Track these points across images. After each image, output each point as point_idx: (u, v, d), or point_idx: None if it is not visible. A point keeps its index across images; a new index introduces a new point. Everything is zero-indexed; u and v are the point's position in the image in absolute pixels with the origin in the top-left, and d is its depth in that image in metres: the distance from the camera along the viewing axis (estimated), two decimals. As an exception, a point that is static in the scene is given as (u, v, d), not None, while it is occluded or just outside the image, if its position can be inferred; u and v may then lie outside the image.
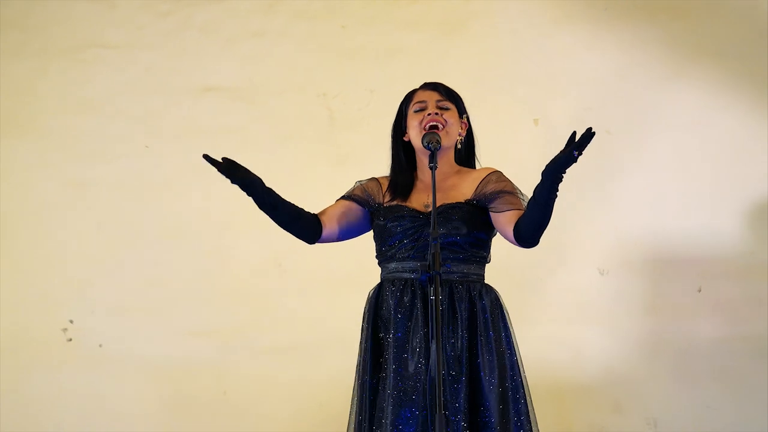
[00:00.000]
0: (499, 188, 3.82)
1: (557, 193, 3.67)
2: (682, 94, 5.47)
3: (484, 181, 3.88)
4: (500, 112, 5.44)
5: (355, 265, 4.52)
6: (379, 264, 3.94)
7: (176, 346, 5.53)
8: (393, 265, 3.85)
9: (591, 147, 5.09)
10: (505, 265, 4.27)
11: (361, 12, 5.64)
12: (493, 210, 3.82)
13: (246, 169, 3.89)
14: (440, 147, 3.77)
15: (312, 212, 3.94)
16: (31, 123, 5.70)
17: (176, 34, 5.71)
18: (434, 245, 3.37)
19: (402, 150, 4.01)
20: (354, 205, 3.98)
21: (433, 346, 3.36)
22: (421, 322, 3.74)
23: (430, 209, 3.76)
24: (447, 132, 3.91)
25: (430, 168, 3.63)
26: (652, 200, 5.44)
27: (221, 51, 5.69)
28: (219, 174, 5.36)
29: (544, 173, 3.63)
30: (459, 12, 5.63)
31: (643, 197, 5.44)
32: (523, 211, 3.75)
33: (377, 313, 3.85)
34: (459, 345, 3.74)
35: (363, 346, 3.84)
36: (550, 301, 5.39)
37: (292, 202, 3.92)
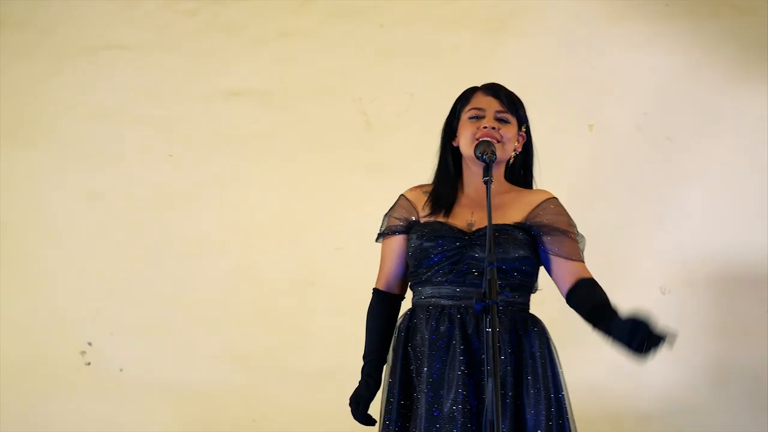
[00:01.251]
0: (555, 223, 3.60)
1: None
2: (749, 98, 5.36)
3: (540, 207, 3.64)
4: (551, 118, 5.09)
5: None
6: (411, 287, 3.71)
7: (202, 370, 5.45)
8: (428, 289, 3.60)
9: (651, 155, 5.24)
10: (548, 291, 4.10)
11: (400, 10, 5.54)
12: (547, 250, 3.60)
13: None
14: (495, 159, 3.51)
15: (387, 301, 3.76)
16: (43, 130, 5.62)
17: (201, 35, 5.62)
18: (491, 270, 3.12)
19: (450, 155, 3.76)
20: (401, 239, 3.73)
21: (490, 385, 3.08)
22: (460, 356, 3.48)
23: (475, 228, 3.56)
24: (502, 147, 3.64)
25: (484, 182, 3.37)
26: (718, 213, 5.34)
27: (249, 52, 5.60)
28: (246, 185, 5.52)
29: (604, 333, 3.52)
30: (504, 9, 5.53)
31: (708, 210, 5.33)
32: (579, 264, 3.60)
33: (408, 342, 3.62)
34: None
35: (389, 381, 3.62)
36: None
37: (376, 341, 3.76)
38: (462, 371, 3.48)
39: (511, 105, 3.70)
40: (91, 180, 5.59)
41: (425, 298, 3.59)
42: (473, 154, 3.56)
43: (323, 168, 5.51)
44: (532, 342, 3.56)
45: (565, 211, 3.66)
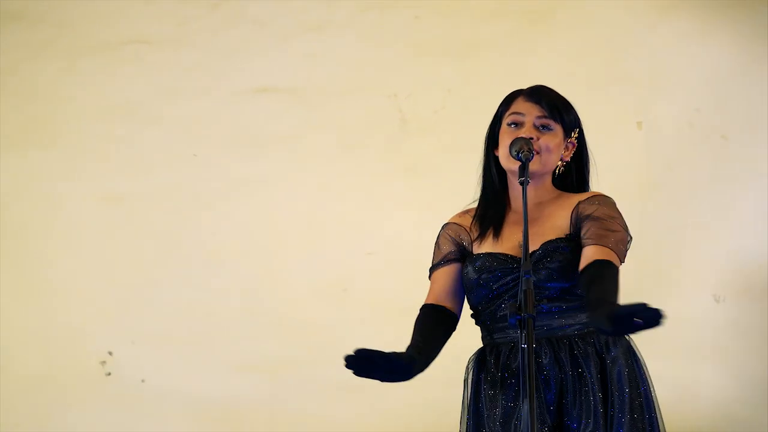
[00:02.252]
0: (593, 213, 3.41)
1: None
2: (810, 93, 5.19)
3: (583, 203, 3.46)
4: (596, 115, 4.77)
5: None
6: (477, 323, 3.56)
7: (227, 382, 5.42)
8: (493, 325, 3.46)
9: (704, 155, 5.16)
10: None
11: (437, 1, 5.47)
12: (582, 241, 3.40)
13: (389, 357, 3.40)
14: (532, 157, 3.33)
15: (435, 310, 3.54)
16: (60, 130, 5.61)
17: (225, 29, 5.58)
18: (526, 281, 2.95)
19: (494, 165, 3.59)
20: (456, 267, 3.57)
21: (526, 407, 2.95)
22: (542, 390, 3.33)
23: (531, 248, 3.38)
24: (542, 161, 3.47)
25: (520, 183, 3.22)
26: (776, 215, 5.18)
27: (276, 47, 5.56)
28: (274, 186, 5.47)
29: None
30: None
31: (765, 212, 5.19)
32: (604, 249, 3.35)
33: (480, 380, 3.47)
34: (593, 419, 3.33)
35: (466, 425, 3.48)
36: (657, 334, 4.63)
37: (422, 339, 3.50)
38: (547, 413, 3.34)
39: (554, 110, 3.52)
40: (109, 182, 5.59)
41: (494, 338, 3.47)
42: (510, 156, 3.39)
43: (354, 168, 5.48)
44: (616, 361, 3.42)
45: (610, 204, 3.49)
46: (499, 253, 3.44)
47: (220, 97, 5.56)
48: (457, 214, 3.64)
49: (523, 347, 2.93)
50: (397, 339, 4.76)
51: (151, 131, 5.58)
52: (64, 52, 5.64)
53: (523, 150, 3.31)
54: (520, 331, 2.92)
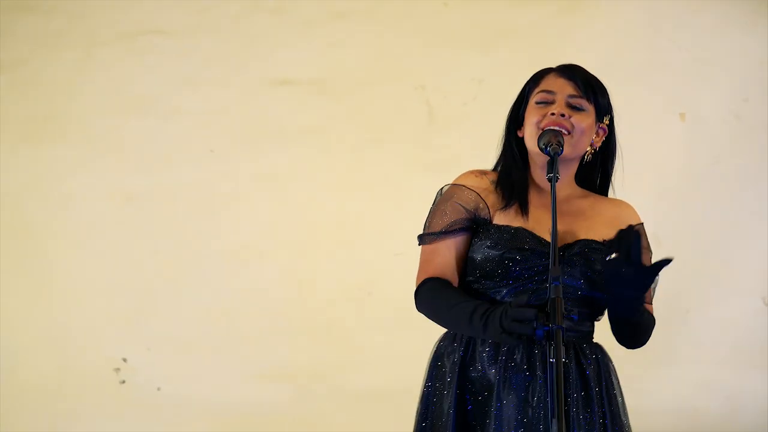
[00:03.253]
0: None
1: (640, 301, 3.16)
2: None
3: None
4: (637, 106, 5.12)
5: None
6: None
7: (246, 390, 5.39)
8: None
9: (752, 149, 5.08)
10: None
11: None
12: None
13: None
14: (561, 152, 3.11)
15: (442, 280, 3.28)
16: (73, 124, 5.57)
17: (245, 18, 5.54)
18: (555, 288, 2.74)
19: (517, 148, 3.37)
20: (464, 239, 3.29)
21: (554, 427, 2.72)
22: (540, 394, 3.11)
23: (563, 241, 3.19)
24: (573, 142, 3.24)
25: (548, 179, 3.00)
26: (830, 213, 5.13)
27: (298, 36, 5.52)
28: (295, 183, 5.40)
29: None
30: (584, -16, 5.39)
31: None
32: (648, 307, 3.30)
33: (465, 374, 3.21)
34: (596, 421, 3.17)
35: (445, 422, 3.20)
36: (701, 339, 5.14)
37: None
38: (545, 412, 3.12)
39: (589, 89, 3.31)
40: (125, 179, 5.54)
41: None
42: (537, 147, 3.18)
43: (381, 164, 5.41)
44: (609, 368, 3.26)
45: (649, 244, 3.33)
46: (531, 232, 3.19)
47: (240, 89, 5.52)
48: (470, 173, 3.36)
49: (551, 362, 2.70)
50: (426, 345, 4.76)
51: (168, 125, 5.54)
52: (77, 44, 5.61)
53: (552, 143, 3.09)
54: (548, 344, 2.71)
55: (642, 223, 3.31)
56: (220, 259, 5.46)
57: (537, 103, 3.29)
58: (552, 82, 3.32)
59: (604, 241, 3.18)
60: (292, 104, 5.48)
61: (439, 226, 3.28)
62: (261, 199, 5.47)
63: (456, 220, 3.25)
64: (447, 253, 3.27)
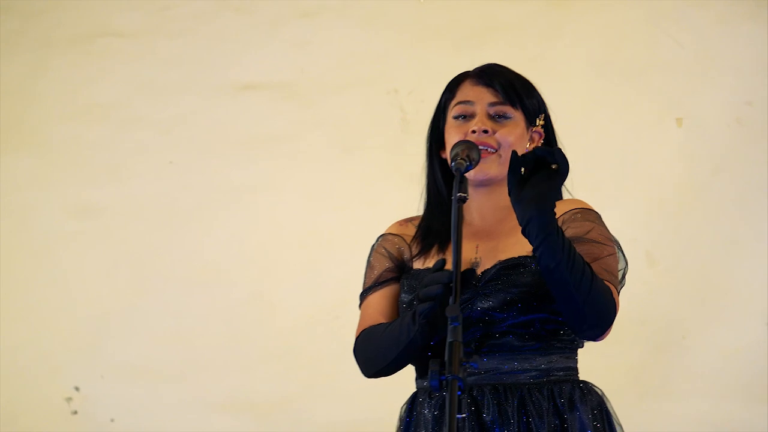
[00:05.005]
0: (578, 233, 2.90)
1: (557, 247, 2.72)
2: None
3: (561, 220, 2.92)
4: (630, 109, 5.09)
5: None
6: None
7: (206, 421, 5.29)
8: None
9: (756, 156, 4.93)
10: (639, 319, 4.15)
11: None
12: None
13: None
14: (471, 166, 2.80)
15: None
16: (27, 133, 5.51)
17: (208, 18, 5.45)
18: (453, 329, 2.42)
19: (440, 169, 3.10)
20: (393, 289, 3.06)
21: None
22: None
23: (482, 269, 2.90)
24: (501, 158, 2.95)
25: (459, 201, 2.65)
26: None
27: (264, 37, 5.44)
28: (262, 195, 5.27)
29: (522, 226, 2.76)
30: (574, -24, 5.34)
31: None
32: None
33: None
34: None
35: None
36: (701, 368, 4.95)
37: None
38: None
39: (512, 93, 3.02)
40: (82, 192, 5.46)
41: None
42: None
43: (352, 175, 5.34)
44: (583, 423, 2.87)
45: (596, 219, 2.98)
46: (446, 270, 2.88)
47: (201, 94, 5.45)
48: (396, 222, 3.16)
49: (460, 417, 2.40)
50: (399, 376, 4.67)
51: (126, 134, 5.46)
52: (33, 47, 5.55)
53: (459, 157, 2.77)
54: (447, 396, 2.38)
55: (586, 208, 3.01)
56: (181, 279, 5.38)
57: (455, 117, 3.02)
58: (468, 91, 3.04)
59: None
60: (256, 110, 5.40)
61: (369, 281, 3.10)
62: (223, 214, 5.38)
63: (383, 271, 3.06)
64: (379, 305, 3.07)
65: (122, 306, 5.36)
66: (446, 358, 2.39)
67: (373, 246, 3.14)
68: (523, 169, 2.68)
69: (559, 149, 2.69)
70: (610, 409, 2.93)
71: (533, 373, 2.84)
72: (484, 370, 2.82)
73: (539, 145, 3.02)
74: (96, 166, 5.44)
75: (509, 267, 2.85)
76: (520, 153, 2.82)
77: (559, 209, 2.89)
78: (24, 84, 5.52)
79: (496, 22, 5.24)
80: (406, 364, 2.94)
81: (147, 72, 5.46)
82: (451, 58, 5.15)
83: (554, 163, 2.68)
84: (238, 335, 5.31)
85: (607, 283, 2.81)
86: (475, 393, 2.81)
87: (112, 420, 5.29)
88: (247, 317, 5.32)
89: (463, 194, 2.63)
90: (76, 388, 5.31)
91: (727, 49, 5.12)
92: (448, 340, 2.40)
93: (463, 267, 2.80)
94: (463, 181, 2.67)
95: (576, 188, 5.13)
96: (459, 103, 3.01)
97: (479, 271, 2.88)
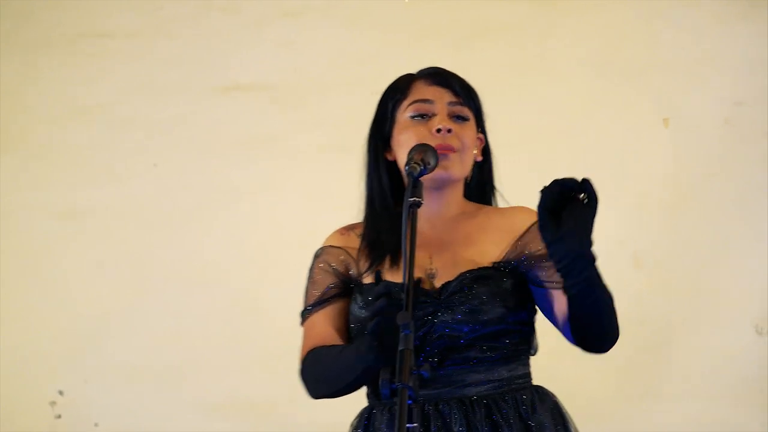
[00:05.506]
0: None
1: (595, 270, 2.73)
2: None
3: (529, 234, 2.91)
4: (618, 110, 5.06)
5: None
6: None
7: (193, 426, 5.21)
8: None
9: (745, 158, 4.91)
10: (626, 322, 3.74)
11: None
12: (543, 283, 2.87)
13: None
14: (426, 171, 2.74)
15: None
16: (14, 135, 5.43)
17: (194, 18, 5.38)
18: (405, 337, 2.37)
19: (387, 174, 3.05)
20: (338, 307, 2.99)
21: None
22: None
23: (440, 281, 2.86)
24: (461, 159, 2.93)
25: (413, 206, 2.59)
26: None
27: (250, 37, 5.36)
28: (250, 197, 5.21)
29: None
30: (565, -24, 5.34)
31: None
32: None
33: None
34: None
35: None
36: (688, 371, 4.92)
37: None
38: None
39: (467, 94, 3.00)
40: (71, 194, 5.39)
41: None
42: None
43: (341, 177, 4.76)
44: (543, 425, 2.86)
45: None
46: (395, 284, 2.82)
47: (191, 96, 5.37)
48: (337, 232, 3.12)
49: (409, 428, 2.36)
50: None
51: (113, 136, 5.38)
52: (20, 49, 5.49)
53: (413, 161, 2.71)
54: (396, 404, 2.33)
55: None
56: (167, 282, 5.31)
57: (413, 116, 2.96)
58: (425, 91, 2.99)
59: (495, 263, 2.87)
60: (242, 112, 5.33)
61: (312, 298, 3.04)
62: (213, 216, 5.32)
63: (326, 288, 2.99)
64: (324, 324, 3.01)
65: (107, 309, 5.31)
66: (397, 366, 2.33)
67: (315, 259, 3.05)
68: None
69: (588, 180, 2.62)
70: (564, 410, 2.92)
71: (497, 383, 2.83)
72: (449, 383, 2.79)
73: (480, 150, 3.00)
74: (84, 168, 5.39)
75: (474, 279, 2.82)
76: (473, 157, 2.89)
77: (516, 219, 2.92)
78: (14, 86, 5.47)
79: (486, 22, 5.21)
80: (361, 387, 2.90)
81: (136, 73, 5.40)
82: (441, 59, 5.09)
83: (582, 193, 2.62)
84: (226, 337, 5.26)
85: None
86: (441, 407, 2.78)
87: (96, 424, 5.25)
88: (238, 319, 5.28)
89: (418, 198, 2.58)
90: (60, 392, 5.27)
91: (716, 48, 5.10)
92: (399, 348, 2.35)
93: (418, 277, 2.81)
94: (417, 186, 2.62)
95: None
96: (416, 101, 2.96)
97: (438, 283, 2.84)
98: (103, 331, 5.30)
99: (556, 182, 2.60)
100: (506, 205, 3.08)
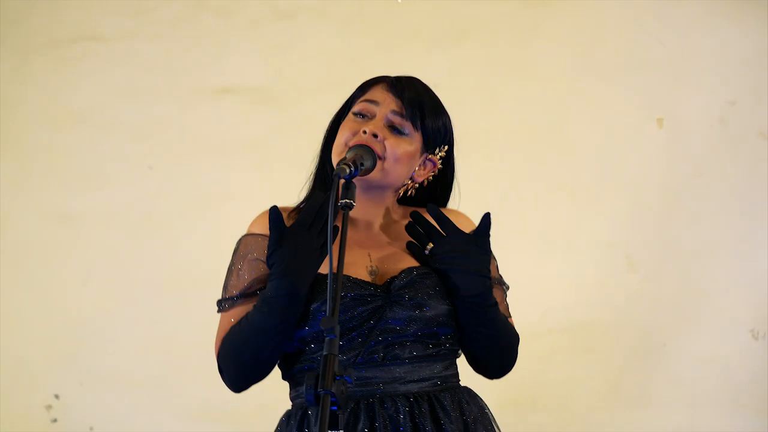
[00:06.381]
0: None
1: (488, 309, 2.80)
2: None
3: None
4: (609, 110, 4.98)
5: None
6: (290, 376, 2.93)
7: (187, 430, 5.16)
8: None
9: (739, 157, 4.84)
10: (618, 326, 4.06)
11: None
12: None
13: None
14: (357, 173, 2.69)
15: None
16: (4, 138, 5.37)
17: (185, 20, 5.34)
18: (330, 342, 2.30)
19: (330, 165, 2.98)
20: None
21: None
22: None
23: (383, 276, 2.80)
24: (384, 168, 2.82)
25: (343, 206, 2.57)
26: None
27: (242, 39, 5.32)
28: (242, 200, 4.96)
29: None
30: (551, -27, 5.25)
31: None
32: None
33: None
34: None
35: None
36: (681, 377, 4.85)
37: None
38: None
39: (415, 112, 2.88)
40: (60, 198, 5.34)
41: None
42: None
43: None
44: (477, 419, 2.82)
45: (489, 247, 2.88)
46: (349, 276, 2.76)
47: (178, 99, 5.32)
48: (261, 216, 3.00)
49: None
50: None
51: (103, 139, 5.34)
52: (8, 52, 5.44)
53: (344, 161, 2.68)
54: (317, 411, 2.26)
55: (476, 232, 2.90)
56: (161, 286, 5.24)
57: (355, 113, 2.91)
58: (378, 93, 2.92)
59: (428, 266, 2.81)
60: (235, 114, 5.27)
61: (236, 288, 2.87)
62: (203, 220, 5.24)
63: (254, 279, 2.83)
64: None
65: (102, 313, 5.25)
66: (320, 371, 2.27)
67: (239, 244, 2.94)
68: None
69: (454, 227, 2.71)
70: (489, 411, 2.87)
71: (436, 380, 2.77)
72: (392, 379, 2.72)
73: (430, 174, 2.91)
74: (74, 172, 5.34)
75: (421, 276, 2.76)
76: (404, 171, 2.82)
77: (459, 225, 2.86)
78: (6, 89, 5.40)
79: (473, 21, 5.16)
80: (278, 355, 2.81)
81: (125, 76, 5.35)
82: (429, 58, 5.15)
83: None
84: (217, 342, 5.17)
85: (514, 327, 2.85)
86: (387, 404, 2.71)
87: (91, 428, 5.19)
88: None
89: (349, 201, 2.55)
90: (56, 396, 5.21)
91: (709, 47, 5.05)
92: (324, 353, 2.28)
93: (359, 273, 2.76)
94: (349, 188, 2.58)
95: (554, 191, 5.02)
96: (364, 100, 2.91)
97: (380, 281, 2.77)
98: (98, 334, 5.25)
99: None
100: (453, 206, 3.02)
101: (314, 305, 2.72)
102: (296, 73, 5.23)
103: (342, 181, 2.62)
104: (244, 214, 4.94)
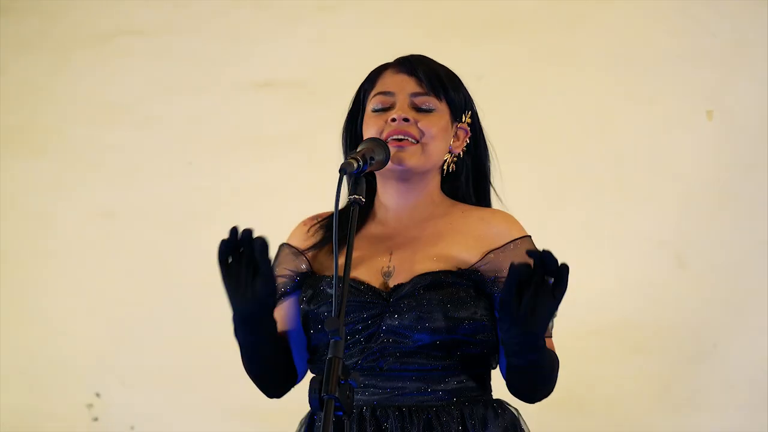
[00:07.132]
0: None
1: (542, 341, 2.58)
2: None
3: (504, 253, 2.68)
4: (657, 103, 4.84)
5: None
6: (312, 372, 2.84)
7: (227, 428, 5.16)
8: None
9: None
10: (668, 326, 4.01)
11: None
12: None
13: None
14: (366, 167, 2.60)
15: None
16: (43, 135, 5.38)
17: (225, 14, 5.30)
18: (334, 344, 2.26)
19: None
20: (290, 303, 2.81)
21: None
22: None
23: (394, 281, 2.67)
24: (424, 150, 2.71)
25: (352, 203, 2.52)
26: None
27: (281, 33, 5.26)
28: (281, 195, 5.04)
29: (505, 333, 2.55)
30: (598, -37, 5.14)
31: None
32: (548, 341, 2.67)
33: None
34: None
35: None
36: (735, 379, 4.70)
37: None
38: None
39: (436, 84, 2.80)
40: (103, 194, 5.34)
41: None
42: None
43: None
44: None
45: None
46: (354, 278, 2.68)
47: (218, 93, 5.28)
48: (301, 224, 3.01)
49: None
50: None
51: (143, 135, 5.31)
52: (47, 48, 5.42)
53: (349, 156, 2.60)
54: (320, 414, 2.25)
55: (525, 236, 2.74)
56: (203, 284, 4.87)
57: (374, 110, 2.79)
58: (389, 81, 2.83)
59: (459, 269, 2.65)
60: (275, 109, 5.20)
61: None
62: (245, 214, 4.86)
63: (279, 285, 2.78)
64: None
65: (143, 310, 5.25)
66: (324, 375, 2.22)
67: (277, 251, 2.90)
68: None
69: (566, 266, 2.46)
70: (524, 427, 2.71)
71: (440, 394, 2.63)
72: (388, 389, 2.61)
73: (464, 143, 2.79)
74: (115, 168, 5.33)
75: (426, 286, 2.62)
76: (443, 147, 2.70)
77: (494, 228, 2.72)
78: (39, 85, 5.41)
79: (516, 11, 5.07)
80: (278, 366, 2.84)
81: (164, 71, 5.33)
82: (472, 51, 5.05)
83: (552, 276, 2.45)
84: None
85: (554, 354, 2.67)
86: (378, 414, 2.60)
87: (132, 427, 5.20)
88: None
89: (358, 197, 2.48)
90: (97, 395, 5.21)
91: (761, 37, 4.82)
92: (328, 355, 2.22)
93: (370, 276, 2.66)
94: (359, 184, 2.51)
95: (601, 188, 4.86)
96: (378, 93, 2.81)
97: (392, 283, 2.65)
98: (140, 333, 5.24)
99: (522, 267, 2.42)
100: (500, 203, 2.87)
101: (312, 308, 2.68)
102: (337, 66, 5.12)
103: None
104: (284, 209, 4.83)
